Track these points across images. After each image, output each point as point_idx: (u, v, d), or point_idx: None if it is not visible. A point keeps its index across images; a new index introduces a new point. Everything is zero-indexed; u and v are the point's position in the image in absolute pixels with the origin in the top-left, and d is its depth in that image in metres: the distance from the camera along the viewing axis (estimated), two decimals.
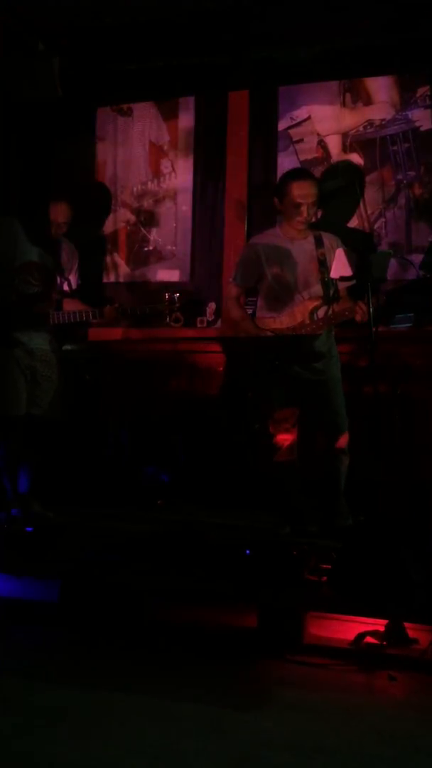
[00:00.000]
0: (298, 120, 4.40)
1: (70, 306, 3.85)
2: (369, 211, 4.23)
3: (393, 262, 3.52)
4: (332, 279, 3.53)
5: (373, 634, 2.81)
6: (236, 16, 4.00)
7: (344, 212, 4.24)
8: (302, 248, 3.61)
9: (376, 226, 4.23)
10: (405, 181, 4.19)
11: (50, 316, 3.75)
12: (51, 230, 3.85)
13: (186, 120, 4.64)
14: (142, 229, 4.69)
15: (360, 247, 3.88)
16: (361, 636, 2.81)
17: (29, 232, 3.82)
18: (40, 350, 3.78)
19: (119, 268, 4.72)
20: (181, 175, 4.63)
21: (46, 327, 3.80)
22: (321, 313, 3.57)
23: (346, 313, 3.52)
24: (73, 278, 3.97)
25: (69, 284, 3.90)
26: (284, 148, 4.42)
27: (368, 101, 4.29)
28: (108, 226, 4.77)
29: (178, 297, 3.66)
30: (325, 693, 2.49)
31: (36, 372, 3.77)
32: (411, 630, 2.81)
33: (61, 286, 3.85)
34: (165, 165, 4.67)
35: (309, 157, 4.38)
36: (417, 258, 4.09)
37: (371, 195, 4.24)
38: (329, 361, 3.60)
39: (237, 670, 2.68)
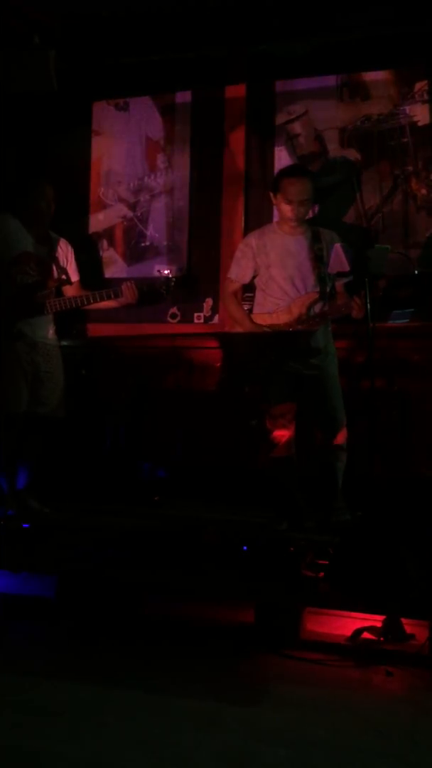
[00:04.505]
0: (296, 114, 4.38)
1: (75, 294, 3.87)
2: (366, 207, 4.21)
3: (391, 257, 3.50)
4: (329, 274, 3.53)
5: (370, 629, 2.82)
6: (233, 9, 3.98)
7: (341, 207, 4.22)
8: (299, 244, 3.61)
9: (373, 222, 4.21)
10: (402, 176, 4.18)
11: (61, 300, 3.77)
12: (45, 222, 3.86)
13: (182, 114, 4.61)
14: (139, 224, 4.68)
15: (357, 242, 3.88)
16: (359, 632, 2.82)
17: (24, 225, 3.83)
18: (42, 343, 3.77)
19: (116, 264, 4.70)
20: (177, 170, 4.60)
21: (48, 318, 3.80)
22: (318, 308, 3.57)
23: (343, 309, 3.52)
24: (71, 270, 3.96)
25: (67, 275, 3.91)
26: (281, 143, 4.40)
27: (366, 96, 4.27)
28: (104, 222, 4.75)
29: (172, 276, 3.92)
30: (322, 688, 2.50)
31: (39, 368, 3.76)
32: (408, 626, 2.82)
33: (60, 275, 3.85)
34: (161, 160, 4.65)
35: (306, 151, 4.36)
36: (415, 253, 4.08)
37: (369, 190, 4.22)
38: (326, 357, 3.59)
39: (234, 666, 2.69)
